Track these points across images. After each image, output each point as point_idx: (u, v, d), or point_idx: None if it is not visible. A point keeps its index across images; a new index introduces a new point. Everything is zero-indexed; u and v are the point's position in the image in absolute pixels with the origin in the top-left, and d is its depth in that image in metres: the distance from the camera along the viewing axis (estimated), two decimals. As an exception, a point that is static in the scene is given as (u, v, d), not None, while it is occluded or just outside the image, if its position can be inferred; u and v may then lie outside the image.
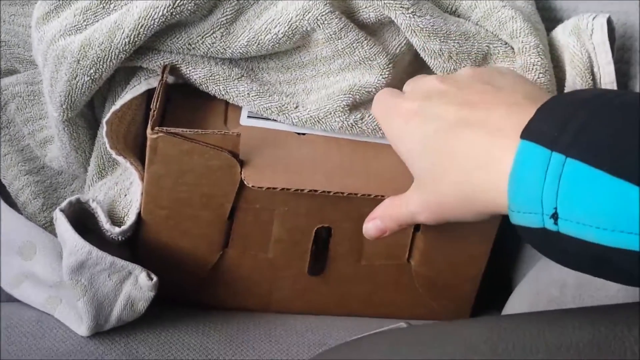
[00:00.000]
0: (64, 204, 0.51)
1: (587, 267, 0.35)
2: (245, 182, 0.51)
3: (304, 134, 0.56)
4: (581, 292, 0.46)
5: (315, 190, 0.51)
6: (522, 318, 0.36)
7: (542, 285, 0.51)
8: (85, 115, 0.58)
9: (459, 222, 0.54)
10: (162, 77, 0.54)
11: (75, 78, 0.52)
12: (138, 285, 0.50)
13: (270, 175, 0.51)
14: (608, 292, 0.44)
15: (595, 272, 0.35)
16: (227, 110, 0.57)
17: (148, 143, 0.50)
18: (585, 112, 0.33)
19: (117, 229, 0.51)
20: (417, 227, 0.56)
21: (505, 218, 0.54)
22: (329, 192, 0.51)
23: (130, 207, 0.53)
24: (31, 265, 0.53)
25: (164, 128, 0.49)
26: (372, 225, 0.50)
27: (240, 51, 0.54)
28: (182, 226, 0.54)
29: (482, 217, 0.41)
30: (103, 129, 0.54)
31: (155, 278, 0.51)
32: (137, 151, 0.57)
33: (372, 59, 0.55)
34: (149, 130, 0.50)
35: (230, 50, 0.54)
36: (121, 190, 0.54)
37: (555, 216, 0.33)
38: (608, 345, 0.33)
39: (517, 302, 0.55)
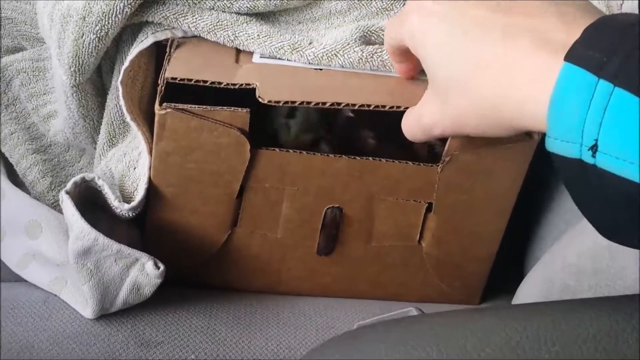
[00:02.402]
0: (69, 185, 0.50)
1: (614, 208, 0.32)
2: (260, 99, 0.47)
3: (321, 69, 0.53)
4: (598, 281, 0.45)
5: (324, 103, 0.47)
6: (537, 308, 0.34)
7: (556, 272, 0.50)
8: (94, 82, 0.57)
9: (472, 203, 0.53)
10: (169, 51, 0.53)
11: (82, 37, 0.51)
12: (145, 272, 0.50)
13: (286, 95, 0.48)
14: (626, 281, 0.43)
15: (623, 215, 0.32)
16: (239, 54, 0.54)
17: (156, 119, 0.49)
18: (635, 38, 0.29)
19: (126, 206, 0.50)
20: (429, 207, 0.55)
21: (519, 196, 0.54)
22: (339, 103, 0.47)
23: (139, 182, 0.52)
24: (37, 245, 0.53)
25: (172, 104, 0.48)
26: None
27: (248, 5, 0.52)
28: (190, 204, 0.53)
29: (507, 134, 0.37)
30: (119, 91, 0.52)
31: (162, 267, 0.50)
32: (148, 118, 0.55)
33: (389, 9, 0.52)
34: (156, 106, 0.49)
35: (237, 4, 0.52)
36: (130, 163, 0.53)
37: (594, 148, 0.30)
38: (625, 338, 0.31)
39: (530, 289, 0.54)
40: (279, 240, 0.55)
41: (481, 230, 0.56)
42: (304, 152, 0.51)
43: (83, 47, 0.51)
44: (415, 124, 0.43)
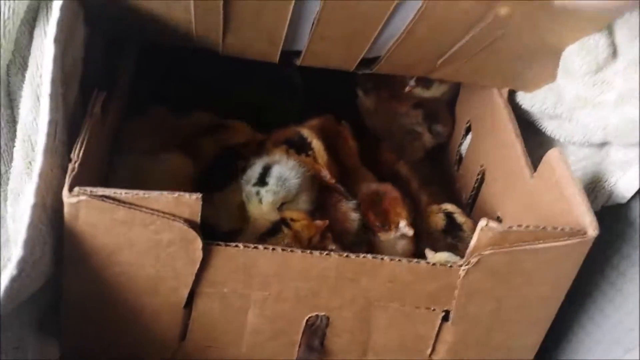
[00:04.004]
0: None
1: None
2: None
3: None
4: None
5: None
6: None
7: None
8: (3, 86, 0.41)
9: (502, 312, 0.42)
10: (91, 110, 0.38)
11: None
12: None
13: None
14: None
15: None
16: None
17: (65, 209, 0.35)
18: None
19: None
20: (445, 316, 0.43)
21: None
22: None
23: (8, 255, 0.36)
24: None
25: (88, 189, 0.34)
26: None
27: None
28: (117, 318, 0.41)
29: None
30: (49, 57, 0.36)
31: None
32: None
33: None
34: (65, 192, 0.35)
35: None
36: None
37: None
38: None
39: None
40: (244, 354, 0.44)
41: (511, 344, 0.46)
42: (278, 249, 0.39)
43: None
44: None
